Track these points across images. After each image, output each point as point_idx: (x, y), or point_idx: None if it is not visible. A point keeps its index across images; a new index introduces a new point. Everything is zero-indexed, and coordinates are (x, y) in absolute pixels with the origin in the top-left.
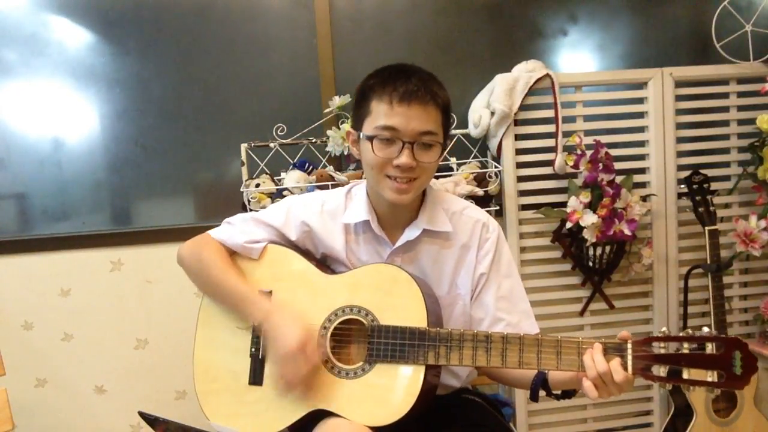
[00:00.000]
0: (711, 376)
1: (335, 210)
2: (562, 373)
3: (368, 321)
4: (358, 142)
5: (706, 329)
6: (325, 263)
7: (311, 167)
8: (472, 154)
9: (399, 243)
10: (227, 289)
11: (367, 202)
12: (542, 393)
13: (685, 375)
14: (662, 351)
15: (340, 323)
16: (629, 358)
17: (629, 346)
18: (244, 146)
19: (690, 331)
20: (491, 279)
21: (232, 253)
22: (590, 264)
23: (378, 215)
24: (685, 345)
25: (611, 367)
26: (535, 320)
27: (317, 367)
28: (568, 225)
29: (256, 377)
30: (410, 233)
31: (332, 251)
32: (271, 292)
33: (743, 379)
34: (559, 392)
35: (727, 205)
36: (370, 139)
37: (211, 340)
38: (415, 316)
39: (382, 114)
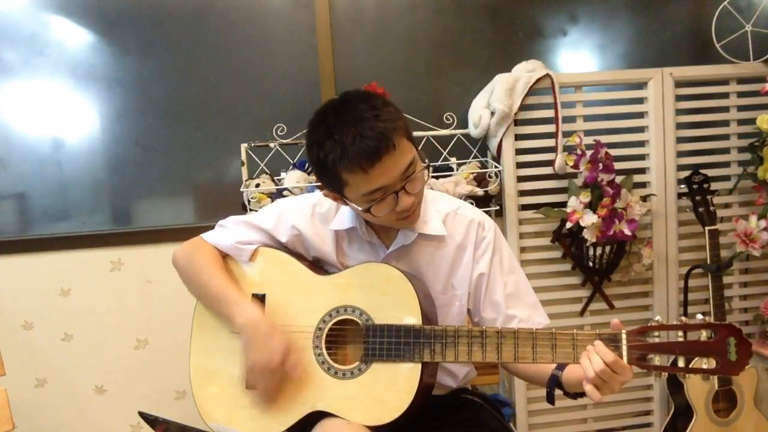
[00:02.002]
0: (706, 364)
1: (326, 214)
2: (575, 376)
3: (363, 321)
4: (342, 200)
5: (700, 316)
6: (318, 264)
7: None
8: (472, 154)
9: (393, 248)
10: (213, 291)
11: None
12: (558, 392)
13: (681, 363)
14: (657, 340)
15: (335, 324)
16: (624, 348)
17: (624, 336)
18: (244, 146)
19: (684, 319)
20: (496, 278)
21: (225, 257)
22: (590, 264)
23: (367, 221)
24: (680, 333)
25: (607, 360)
26: (543, 311)
27: (297, 377)
28: (568, 225)
29: None
30: (405, 238)
31: (323, 255)
32: (264, 296)
33: (738, 365)
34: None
35: (727, 205)
36: (367, 209)
37: (206, 344)
38: (409, 314)
39: (362, 182)
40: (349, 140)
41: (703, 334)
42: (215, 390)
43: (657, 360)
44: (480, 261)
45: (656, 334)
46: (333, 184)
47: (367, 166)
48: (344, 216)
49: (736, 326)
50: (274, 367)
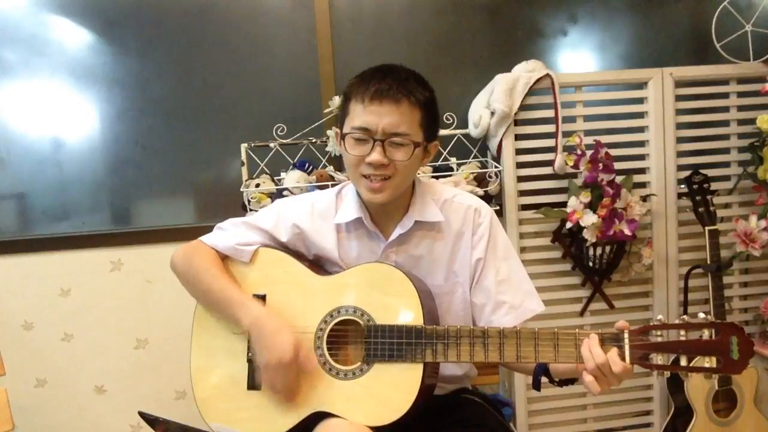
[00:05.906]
0: (709, 362)
1: (326, 210)
2: (563, 363)
3: (364, 321)
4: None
5: (702, 315)
6: (318, 264)
7: (311, 167)
8: (472, 154)
9: (392, 237)
10: (217, 294)
11: (358, 201)
12: (544, 380)
13: (683, 362)
14: (659, 339)
15: (336, 324)
16: (627, 347)
17: (626, 335)
18: (244, 146)
19: (686, 318)
20: (489, 263)
21: (225, 258)
22: (590, 264)
23: (370, 212)
24: (682, 332)
25: (609, 358)
26: (539, 299)
27: (310, 372)
28: (568, 225)
29: (254, 382)
30: (402, 226)
31: (324, 251)
32: (265, 296)
33: (741, 364)
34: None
35: (727, 205)
36: (344, 137)
37: (207, 346)
38: (410, 314)
39: (356, 114)
40: (371, 79)
41: (705, 333)
42: (216, 391)
43: (659, 359)
44: (477, 246)
45: (658, 333)
46: (342, 116)
47: (367, 99)
48: (349, 208)
49: (738, 325)
50: (287, 361)
